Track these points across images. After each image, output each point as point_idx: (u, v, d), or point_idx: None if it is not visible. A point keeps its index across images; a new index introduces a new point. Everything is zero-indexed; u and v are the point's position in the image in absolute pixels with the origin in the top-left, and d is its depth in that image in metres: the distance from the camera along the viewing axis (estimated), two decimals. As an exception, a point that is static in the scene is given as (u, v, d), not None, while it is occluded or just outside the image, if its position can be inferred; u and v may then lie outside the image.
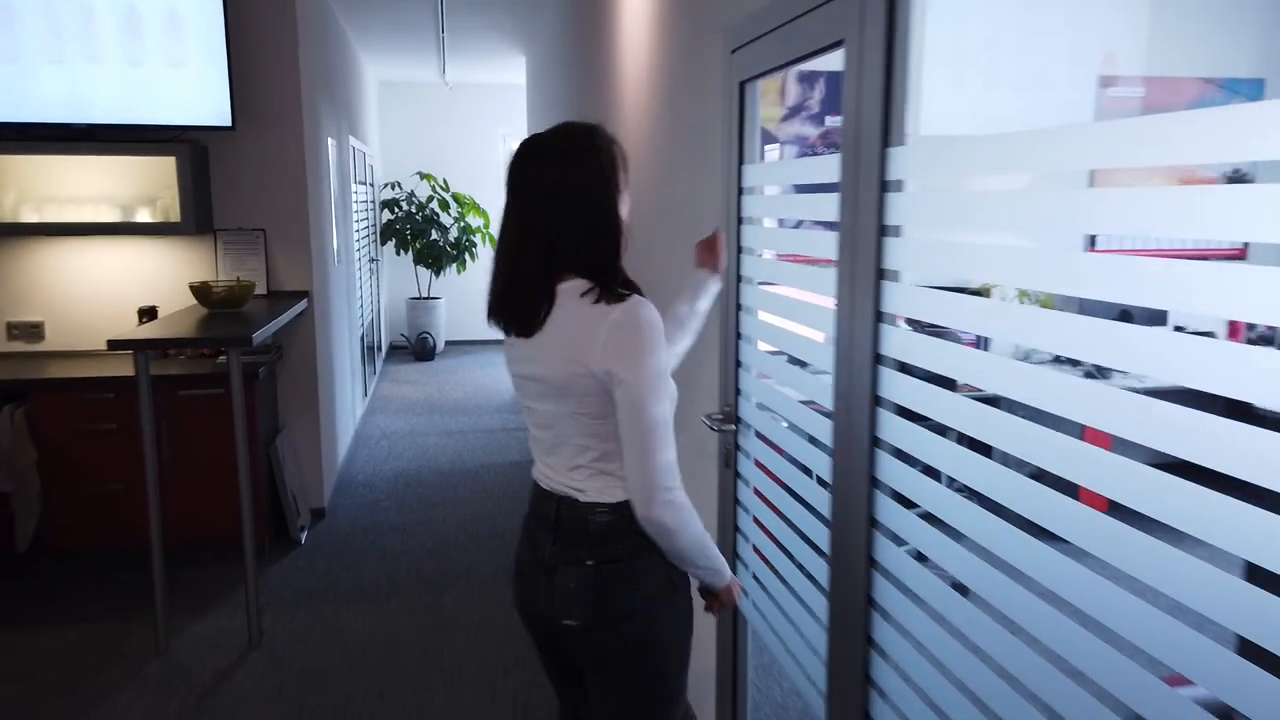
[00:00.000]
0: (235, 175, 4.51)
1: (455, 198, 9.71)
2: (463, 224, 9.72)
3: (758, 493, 2.15)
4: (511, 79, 9.48)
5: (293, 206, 4.58)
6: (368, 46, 7.75)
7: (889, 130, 1.39)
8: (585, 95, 5.00)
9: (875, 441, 1.48)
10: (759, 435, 2.13)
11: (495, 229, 10.05)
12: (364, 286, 7.56)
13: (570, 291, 1.56)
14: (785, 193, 2.02)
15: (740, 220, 2.19)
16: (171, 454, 4.06)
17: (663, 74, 3.10)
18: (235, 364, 3.32)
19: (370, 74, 9.03)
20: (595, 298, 1.53)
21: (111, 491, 4.03)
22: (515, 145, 1.59)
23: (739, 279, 2.22)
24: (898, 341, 1.41)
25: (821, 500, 1.73)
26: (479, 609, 3.78)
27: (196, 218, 4.22)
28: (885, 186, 1.41)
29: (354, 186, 7.00)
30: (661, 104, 3.11)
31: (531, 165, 1.56)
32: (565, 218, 1.54)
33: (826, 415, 1.67)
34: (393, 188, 9.77)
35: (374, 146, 9.20)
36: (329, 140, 5.51)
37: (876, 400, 1.46)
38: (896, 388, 1.42)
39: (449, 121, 10.11)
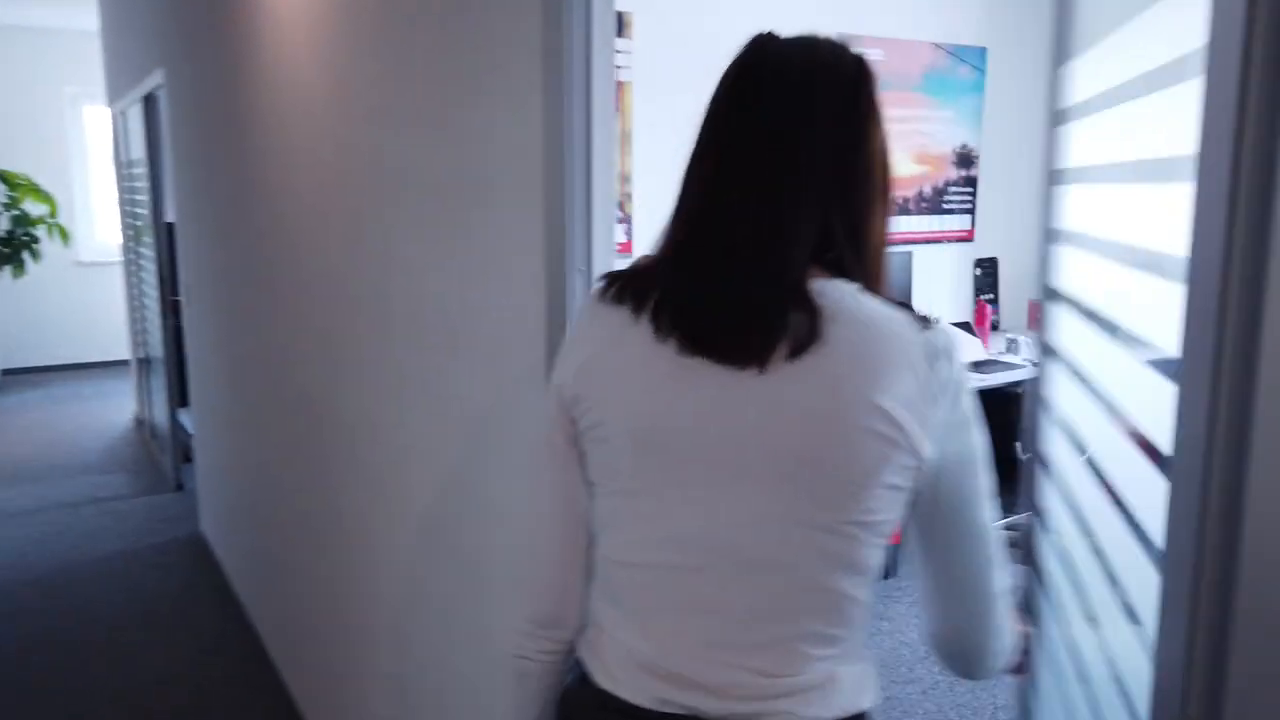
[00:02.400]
0: None
1: (5, 178, 7.28)
2: (17, 212, 7.32)
3: None
4: (80, 22, 7.21)
5: None
6: None
7: None
8: (215, 34, 3.42)
9: None
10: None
11: (66, 218, 7.81)
12: None
13: (845, 295, 0.91)
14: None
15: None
16: None
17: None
18: None
19: None
20: (910, 318, 0.92)
21: None
22: (745, 49, 0.95)
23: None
24: None
25: None
26: None
27: None
28: None
29: None
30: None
31: (792, 99, 0.92)
32: (847, 192, 0.93)
33: None
34: (-99, 162, 7.07)
35: None
36: None
37: None
38: None
39: (-11, 75, 7.58)
